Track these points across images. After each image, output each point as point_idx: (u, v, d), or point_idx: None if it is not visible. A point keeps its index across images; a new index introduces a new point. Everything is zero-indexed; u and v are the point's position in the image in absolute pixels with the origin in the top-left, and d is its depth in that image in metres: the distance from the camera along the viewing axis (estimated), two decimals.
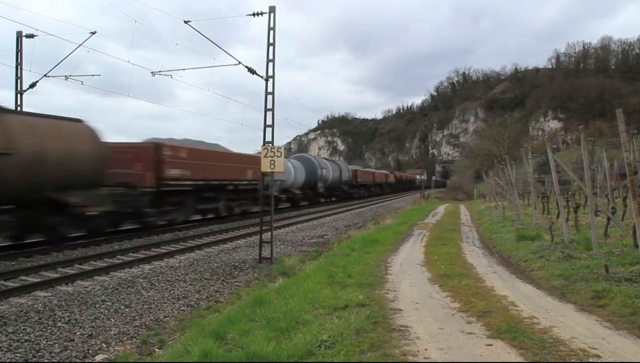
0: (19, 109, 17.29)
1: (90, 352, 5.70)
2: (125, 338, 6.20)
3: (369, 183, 51.61)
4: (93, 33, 16.42)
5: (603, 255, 8.38)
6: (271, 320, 5.58)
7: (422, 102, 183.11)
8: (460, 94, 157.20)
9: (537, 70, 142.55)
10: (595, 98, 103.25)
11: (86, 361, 5.47)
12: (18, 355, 5.47)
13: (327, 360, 4.31)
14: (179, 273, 9.89)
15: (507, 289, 7.15)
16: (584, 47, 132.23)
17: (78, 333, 6.21)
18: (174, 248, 12.79)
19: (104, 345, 5.90)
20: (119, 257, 11.48)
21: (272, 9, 11.80)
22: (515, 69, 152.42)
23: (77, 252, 12.02)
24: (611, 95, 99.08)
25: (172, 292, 8.51)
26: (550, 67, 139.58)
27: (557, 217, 13.37)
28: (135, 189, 14.48)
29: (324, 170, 34.97)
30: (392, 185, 66.52)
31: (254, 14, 12.17)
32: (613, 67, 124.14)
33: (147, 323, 6.80)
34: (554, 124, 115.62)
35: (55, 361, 5.43)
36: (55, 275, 9.28)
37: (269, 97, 12.07)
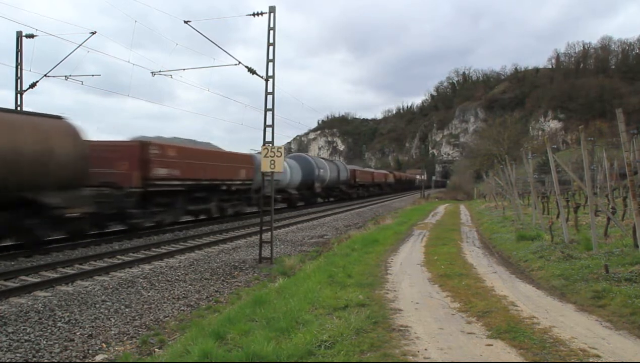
0: (19, 108, 17.31)
1: (90, 352, 5.70)
2: (125, 338, 6.20)
3: (368, 183, 51.03)
4: (93, 33, 16.42)
5: (603, 255, 8.38)
6: (271, 320, 5.58)
7: (422, 102, 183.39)
8: (460, 94, 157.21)
9: (537, 70, 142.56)
10: (595, 98, 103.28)
11: (86, 361, 5.47)
12: (18, 355, 5.47)
13: (327, 360, 4.31)
14: (179, 273, 9.90)
15: (507, 289, 7.15)
16: (584, 47, 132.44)
17: (78, 333, 6.22)
18: (174, 248, 12.79)
19: (104, 345, 5.91)
20: (119, 257, 11.48)
21: (272, 9, 11.80)
22: (515, 69, 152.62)
23: (77, 252, 12.02)
24: (611, 95, 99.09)
25: (172, 292, 8.51)
26: (550, 67, 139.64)
27: (557, 217, 13.38)
28: (121, 189, 13.94)
29: (322, 170, 34.26)
30: (391, 185, 66.06)
31: (254, 14, 12.17)
32: (613, 67, 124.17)
33: (147, 323, 6.80)
34: (554, 124, 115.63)
35: (55, 361, 5.43)
36: (55, 275, 9.28)
37: (269, 97, 12.07)
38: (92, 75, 17.59)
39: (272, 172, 11.93)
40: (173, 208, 16.73)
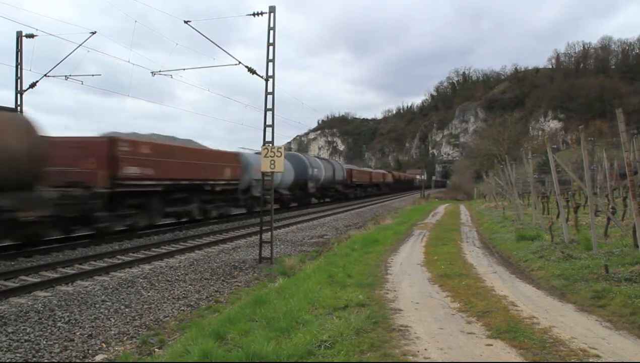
0: (19, 108, 17.31)
1: (90, 352, 5.70)
2: (125, 338, 6.20)
3: (365, 183, 50.13)
4: (93, 33, 16.41)
5: (603, 255, 8.38)
6: (271, 320, 5.58)
7: (422, 102, 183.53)
8: (460, 94, 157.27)
9: (537, 70, 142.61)
10: (595, 98, 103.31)
11: (86, 361, 5.47)
12: (18, 355, 5.47)
13: (327, 360, 4.31)
14: (179, 273, 9.90)
15: (507, 289, 7.15)
16: (584, 47, 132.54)
17: (78, 333, 6.22)
18: (174, 248, 12.79)
19: (104, 345, 5.91)
20: (119, 257, 11.48)
21: (272, 9, 11.80)
22: (515, 69, 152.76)
23: (77, 252, 12.02)
24: (611, 95, 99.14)
25: (172, 292, 8.51)
26: (550, 67, 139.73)
27: (557, 217, 13.37)
28: (86, 190, 12.85)
29: (316, 169, 32.99)
30: (390, 185, 65.44)
31: (254, 14, 12.17)
32: (613, 67, 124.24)
33: (147, 323, 6.80)
34: (554, 124, 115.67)
35: (55, 361, 5.43)
36: (55, 275, 9.28)
37: (269, 97, 12.07)
38: (92, 75, 17.59)
39: (272, 172, 11.92)
40: (148, 210, 15.56)
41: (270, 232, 12.19)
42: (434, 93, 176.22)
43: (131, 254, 11.91)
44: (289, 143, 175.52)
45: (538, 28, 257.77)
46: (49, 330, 6.25)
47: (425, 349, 4.49)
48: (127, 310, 7.32)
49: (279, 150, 11.69)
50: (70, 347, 5.77)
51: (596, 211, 10.55)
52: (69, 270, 9.85)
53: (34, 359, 5.43)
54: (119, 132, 15.23)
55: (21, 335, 6.03)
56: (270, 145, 11.88)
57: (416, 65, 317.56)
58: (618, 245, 9.26)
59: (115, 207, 13.95)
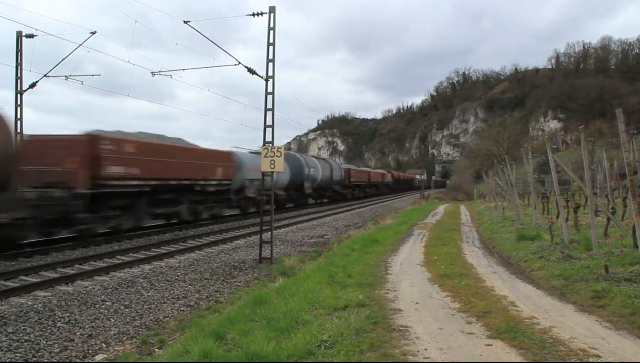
0: (19, 109, 17.31)
1: (90, 352, 5.70)
2: (125, 338, 6.20)
3: (364, 183, 49.35)
4: (93, 33, 16.41)
5: (603, 255, 8.38)
6: (271, 320, 5.58)
7: (422, 102, 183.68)
8: (460, 94, 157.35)
9: (537, 70, 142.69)
10: (595, 98, 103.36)
11: (86, 361, 5.47)
12: (18, 355, 5.47)
13: (327, 360, 4.31)
14: (179, 273, 9.90)
15: (507, 289, 7.15)
16: (584, 47, 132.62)
17: (78, 333, 6.22)
18: (173, 248, 12.79)
19: (104, 345, 5.91)
20: (119, 257, 11.48)
21: (272, 9, 11.81)
22: (515, 69, 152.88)
23: (77, 252, 12.02)
24: (611, 95, 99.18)
25: (172, 292, 8.52)
26: (550, 67, 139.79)
27: (557, 217, 13.38)
28: (67, 190, 12.25)
29: (312, 169, 32.14)
30: (389, 185, 64.77)
31: (254, 14, 12.17)
32: (613, 67, 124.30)
33: (147, 323, 6.80)
34: (554, 124, 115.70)
35: (55, 361, 5.43)
36: (55, 275, 9.28)
37: (269, 97, 12.07)
38: (92, 75, 17.56)
39: (272, 172, 11.92)
40: (133, 211, 14.89)
41: (270, 232, 12.20)
42: (434, 93, 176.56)
43: (131, 254, 11.91)
44: (289, 143, 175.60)
45: (538, 28, 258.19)
46: (49, 330, 6.25)
47: (425, 349, 4.50)
48: (127, 310, 7.32)
49: (279, 150, 11.69)
50: (70, 347, 5.77)
51: (596, 211, 10.55)
52: (69, 270, 9.85)
53: (34, 359, 5.43)
54: (102, 130, 14.82)
55: (21, 335, 6.03)
56: (270, 145, 11.88)
57: (416, 65, 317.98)
58: (618, 245, 9.26)
59: (98, 209, 13.30)
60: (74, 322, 6.63)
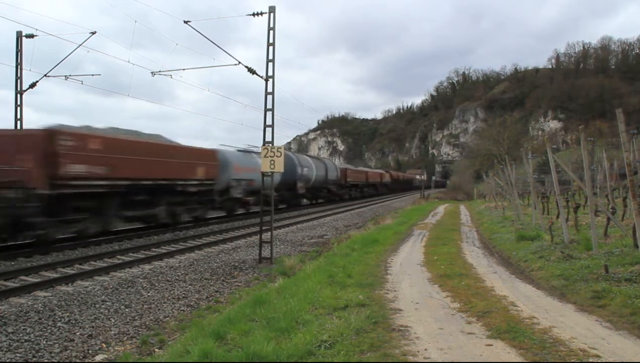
0: (19, 109, 17.31)
1: (90, 352, 5.70)
2: (125, 338, 6.20)
3: (361, 183, 47.99)
4: (93, 33, 16.43)
5: (603, 255, 8.38)
6: (271, 320, 5.58)
7: (422, 102, 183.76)
8: (460, 94, 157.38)
9: (537, 70, 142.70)
10: (595, 98, 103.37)
11: (86, 361, 5.48)
12: (18, 355, 5.47)
13: (327, 360, 4.31)
14: (179, 274, 9.90)
15: (507, 289, 7.15)
16: (584, 47, 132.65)
17: (78, 333, 6.22)
18: (174, 248, 12.79)
19: (104, 345, 5.91)
20: (119, 257, 11.48)
21: (272, 9, 11.81)
22: (515, 69, 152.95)
23: (77, 252, 12.02)
24: (611, 95, 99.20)
25: (172, 292, 8.52)
26: (550, 67, 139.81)
27: (557, 217, 13.38)
28: (21, 191, 11.18)
29: (305, 169, 30.92)
30: (387, 185, 63.58)
31: (253, 14, 12.18)
32: (613, 67, 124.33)
33: (147, 323, 6.80)
34: (554, 124, 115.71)
35: (55, 361, 5.43)
36: (55, 275, 9.28)
37: (269, 97, 12.07)
38: (92, 75, 17.57)
39: (272, 172, 11.92)
40: (101, 214, 13.61)
41: (270, 232, 12.20)
42: (434, 93, 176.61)
43: (131, 254, 11.91)
44: (289, 143, 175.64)
45: (538, 28, 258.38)
46: (49, 330, 6.25)
47: (425, 349, 4.50)
48: (127, 310, 7.32)
49: (279, 150, 11.70)
50: (70, 347, 5.77)
51: (596, 211, 10.55)
52: (69, 270, 9.85)
53: (34, 359, 5.43)
54: (64, 125, 13.81)
55: (21, 335, 6.03)
56: (270, 145, 11.89)
57: (416, 65, 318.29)
58: (618, 245, 9.26)
59: (58, 211, 12.05)
60: (74, 322, 6.63)
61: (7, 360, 5.32)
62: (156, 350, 5.74)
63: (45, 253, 11.61)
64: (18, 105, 17.30)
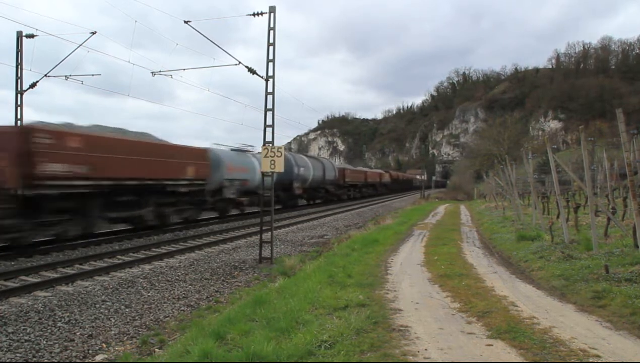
0: (19, 109, 17.32)
1: (90, 352, 5.70)
2: (126, 338, 6.20)
3: (360, 183, 47.14)
4: (93, 33, 16.42)
5: (603, 256, 8.38)
6: (271, 320, 5.58)
7: (422, 102, 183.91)
8: (460, 94, 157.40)
9: (537, 70, 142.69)
10: (595, 98, 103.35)
11: (86, 361, 5.48)
12: (18, 355, 5.47)
13: (327, 360, 4.31)
14: (179, 273, 9.90)
15: (507, 289, 7.14)
16: (584, 47, 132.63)
17: (78, 333, 6.22)
18: (174, 248, 12.79)
19: (104, 345, 5.91)
20: (119, 257, 11.49)
21: (272, 9, 11.81)
22: (515, 69, 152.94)
23: (77, 252, 12.02)
24: (611, 95, 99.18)
25: (172, 292, 8.52)
26: (550, 67, 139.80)
27: (557, 217, 13.37)
28: None
29: (302, 168, 30.18)
30: (387, 185, 62.73)
31: (254, 14, 12.18)
32: (613, 67, 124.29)
33: (147, 323, 6.80)
34: (554, 124, 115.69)
35: (55, 361, 5.43)
36: (55, 275, 9.28)
37: (269, 97, 12.07)
38: (92, 75, 17.56)
39: (273, 172, 11.92)
40: (82, 216, 12.88)
41: (270, 232, 12.20)
42: (434, 93, 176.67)
43: (131, 254, 11.91)
44: (289, 143, 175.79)
45: (538, 28, 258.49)
46: (49, 330, 6.25)
47: (426, 349, 4.49)
48: (127, 310, 7.32)
49: (279, 150, 11.69)
50: (71, 347, 5.77)
51: (596, 211, 10.55)
52: (69, 270, 9.85)
53: (34, 359, 5.43)
54: (44, 122, 13.39)
55: (21, 335, 6.03)
56: (271, 145, 11.89)
57: (416, 65, 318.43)
58: (618, 246, 9.26)
59: (35, 213, 11.46)
60: (74, 322, 6.63)
61: (7, 360, 5.32)
62: (156, 350, 5.74)
63: (45, 253, 11.61)
64: (18, 105, 17.31)
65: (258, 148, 28.65)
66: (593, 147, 29.77)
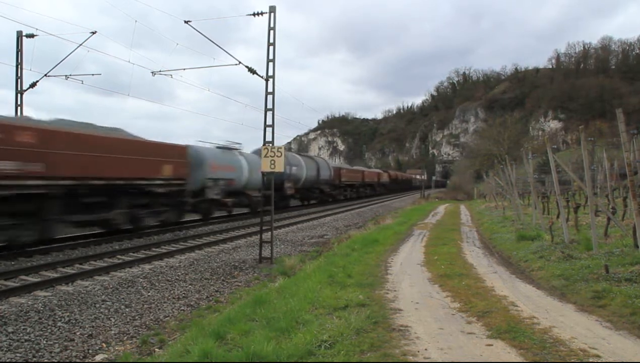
0: (19, 108, 17.32)
1: (90, 351, 5.70)
2: (126, 338, 6.20)
3: (357, 183, 45.63)
4: (93, 33, 16.43)
5: (603, 255, 8.38)
6: (271, 320, 5.58)
7: (422, 102, 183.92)
8: (460, 94, 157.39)
9: (537, 70, 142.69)
10: (595, 98, 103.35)
11: (86, 361, 5.47)
12: (18, 355, 5.47)
13: (327, 360, 4.31)
14: (179, 273, 9.90)
15: (507, 289, 7.14)
16: (584, 47, 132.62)
17: (78, 333, 6.22)
18: (174, 248, 12.79)
19: (104, 345, 5.91)
20: (119, 256, 11.49)
21: (272, 9, 11.81)
22: (516, 69, 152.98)
23: (77, 252, 12.02)
24: (611, 95, 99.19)
25: (172, 291, 8.52)
26: (551, 67, 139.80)
27: (557, 217, 13.37)
28: None
29: (295, 168, 28.98)
30: (385, 185, 61.56)
31: (254, 14, 12.18)
32: (613, 67, 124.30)
33: (147, 323, 6.80)
34: (554, 124, 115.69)
35: (55, 361, 5.43)
36: (55, 275, 9.28)
37: (269, 97, 12.07)
38: (93, 75, 17.56)
39: (272, 172, 11.91)
40: (41, 219, 11.52)
41: (270, 232, 12.20)
42: (434, 93, 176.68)
43: (131, 254, 11.91)
44: (289, 143, 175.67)
45: (538, 28, 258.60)
46: (49, 330, 6.25)
47: (426, 349, 4.49)
48: (127, 309, 7.32)
49: (279, 150, 11.69)
50: (71, 347, 5.77)
51: (596, 211, 10.55)
52: (69, 270, 9.85)
53: (34, 359, 5.43)
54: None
55: (21, 334, 6.03)
56: (271, 145, 11.89)
57: (416, 65, 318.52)
58: (618, 245, 9.26)
59: None
60: (74, 321, 6.63)
61: (7, 360, 5.32)
62: (156, 349, 5.74)
63: (45, 252, 11.61)
64: (18, 105, 17.31)
65: (246, 146, 26.88)
66: (593, 147, 29.78)
